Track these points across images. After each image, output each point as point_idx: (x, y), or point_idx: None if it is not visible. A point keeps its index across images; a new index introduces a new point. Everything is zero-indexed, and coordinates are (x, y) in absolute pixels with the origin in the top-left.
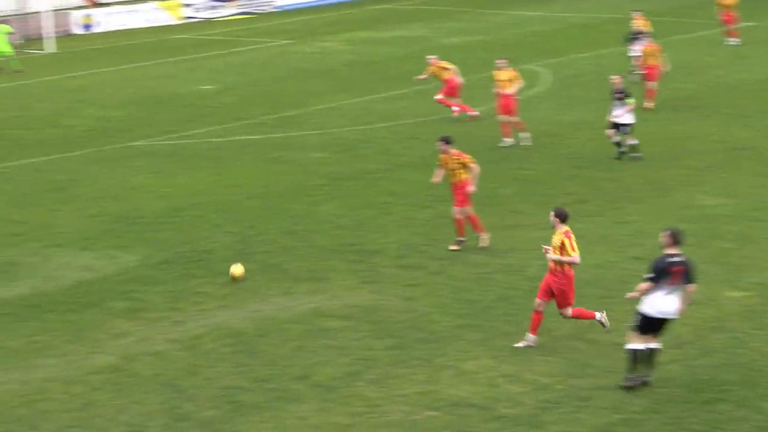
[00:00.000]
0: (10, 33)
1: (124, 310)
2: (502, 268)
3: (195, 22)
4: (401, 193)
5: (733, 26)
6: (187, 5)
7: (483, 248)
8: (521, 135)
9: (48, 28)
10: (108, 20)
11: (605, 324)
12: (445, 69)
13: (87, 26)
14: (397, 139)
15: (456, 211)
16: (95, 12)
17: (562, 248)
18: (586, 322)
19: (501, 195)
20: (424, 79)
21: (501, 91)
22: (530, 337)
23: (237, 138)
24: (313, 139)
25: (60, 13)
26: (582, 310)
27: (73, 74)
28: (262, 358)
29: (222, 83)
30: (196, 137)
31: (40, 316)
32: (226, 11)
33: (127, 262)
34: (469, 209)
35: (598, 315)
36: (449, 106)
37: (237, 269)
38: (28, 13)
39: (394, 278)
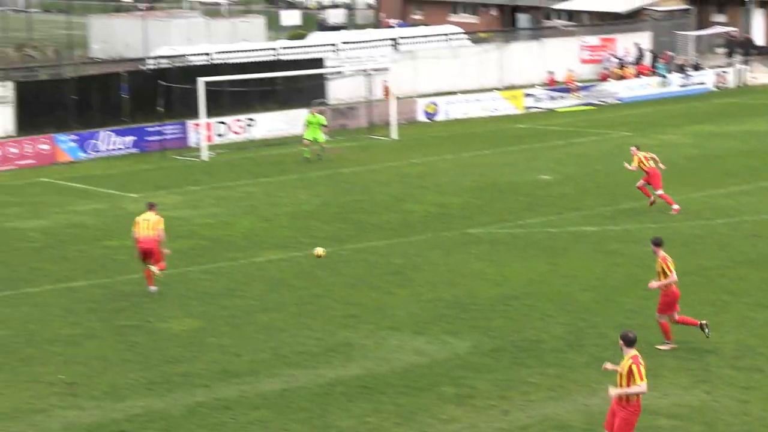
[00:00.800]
0: (323, 125)
1: (454, 396)
2: None
3: (536, 112)
4: (740, 291)
5: None
6: (529, 95)
7: None
8: None
9: (393, 115)
10: (450, 109)
11: None
12: (649, 159)
13: (430, 114)
14: (738, 236)
15: None
16: (439, 100)
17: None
18: None
19: None
20: (634, 170)
21: None
22: None
23: (573, 229)
24: (651, 233)
25: (405, 101)
26: None
27: (415, 161)
28: None
29: (560, 173)
30: (532, 226)
31: (371, 397)
32: (567, 102)
33: (459, 348)
34: None
35: None
36: (647, 195)
37: (319, 250)
38: (373, 101)
39: (728, 379)
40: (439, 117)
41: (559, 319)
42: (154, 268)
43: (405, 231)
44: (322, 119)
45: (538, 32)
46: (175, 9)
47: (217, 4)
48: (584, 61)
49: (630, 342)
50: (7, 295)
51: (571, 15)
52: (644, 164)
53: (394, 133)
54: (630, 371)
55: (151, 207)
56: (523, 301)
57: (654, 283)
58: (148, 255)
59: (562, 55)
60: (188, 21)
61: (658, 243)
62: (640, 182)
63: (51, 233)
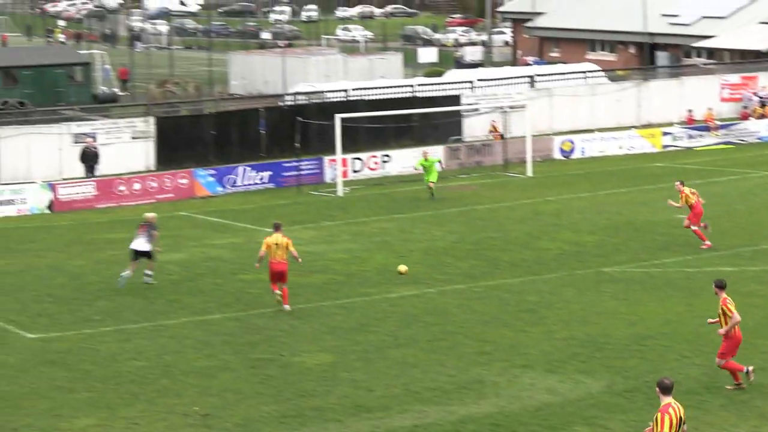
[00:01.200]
0: (439, 162)
1: None
2: None
3: (674, 151)
4: None
5: None
6: (667, 134)
7: None
8: None
9: (529, 152)
10: (587, 146)
11: None
12: (694, 194)
13: (566, 152)
14: None
15: None
16: (575, 138)
17: None
18: None
19: None
20: (681, 207)
21: None
22: None
23: (710, 269)
24: None
25: (541, 138)
26: None
27: (550, 198)
28: None
29: None
30: (668, 266)
31: None
32: (706, 141)
33: (592, 387)
34: None
35: None
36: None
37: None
38: (510, 137)
39: None
40: (575, 155)
41: (695, 360)
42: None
43: (539, 269)
44: (435, 159)
45: (677, 70)
46: (314, 46)
47: (355, 41)
48: (724, 100)
49: (666, 389)
50: (144, 327)
51: (712, 53)
52: (690, 199)
53: (530, 171)
54: (655, 420)
55: (277, 228)
56: (658, 341)
57: (722, 330)
58: (280, 277)
59: (702, 94)
60: (326, 58)
61: (720, 286)
62: (687, 222)
63: (188, 266)
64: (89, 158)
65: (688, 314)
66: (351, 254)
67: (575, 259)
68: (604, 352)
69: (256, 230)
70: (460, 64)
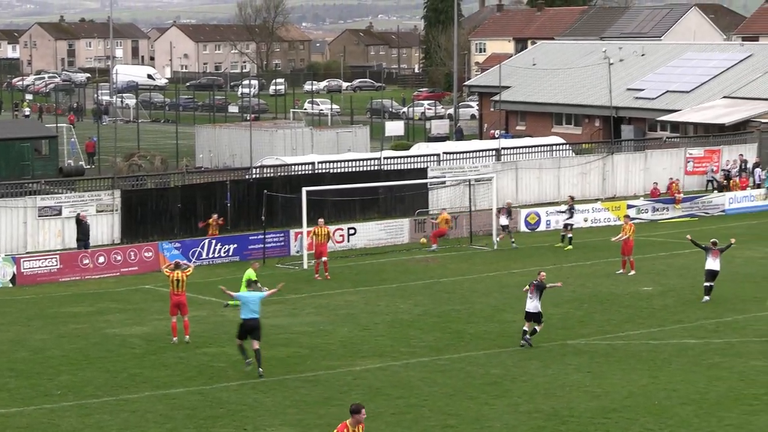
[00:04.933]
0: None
1: None
2: None
3: (639, 224)
4: None
5: None
6: (632, 206)
7: None
8: None
9: (495, 225)
10: (552, 219)
11: None
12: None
13: (531, 224)
14: None
15: None
16: (540, 211)
17: None
18: None
19: None
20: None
21: None
22: None
23: (675, 341)
24: (755, 346)
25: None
26: None
27: (515, 270)
28: None
29: (662, 285)
30: (632, 338)
31: None
32: (671, 213)
33: None
34: None
35: None
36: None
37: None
38: (476, 210)
39: None
40: (541, 227)
41: None
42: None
43: (503, 341)
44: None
45: (642, 143)
46: (281, 120)
47: (323, 114)
48: (689, 173)
49: None
50: (107, 401)
51: (677, 126)
52: (627, 233)
53: (495, 244)
54: None
55: (176, 266)
56: (622, 414)
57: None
58: (181, 307)
59: (667, 167)
60: (293, 131)
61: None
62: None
63: (152, 340)
64: (83, 230)
65: (652, 386)
66: (315, 327)
67: (540, 332)
68: (568, 425)
69: (220, 303)
70: (428, 137)
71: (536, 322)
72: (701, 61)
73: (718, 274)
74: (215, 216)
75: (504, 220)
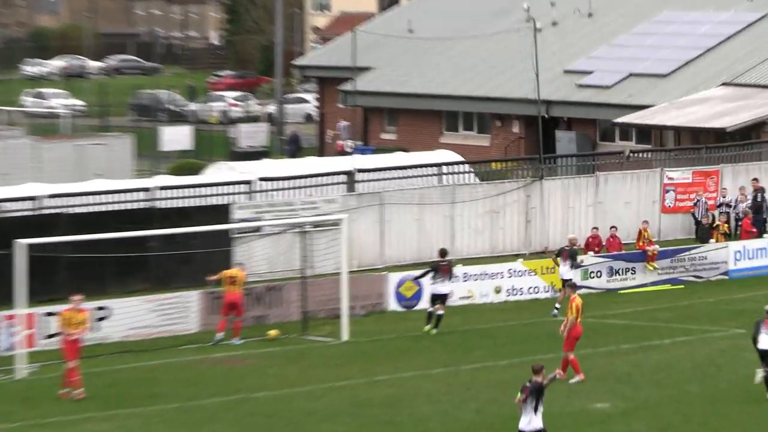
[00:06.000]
0: None
1: None
2: None
3: (586, 295)
4: None
5: None
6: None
7: None
8: None
9: (345, 301)
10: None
11: None
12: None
13: (407, 299)
14: None
15: None
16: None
17: None
18: None
19: None
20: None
21: None
22: None
23: None
24: None
25: (366, 278)
26: None
27: (380, 378)
28: None
29: (628, 400)
30: None
31: None
32: (639, 277)
33: None
34: None
35: None
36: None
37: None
38: (312, 276)
39: None
40: (422, 304)
41: None
42: None
43: None
44: None
45: (591, 161)
46: None
47: (55, 115)
48: (668, 210)
49: None
50: None
51: (647, 133)
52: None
53: (345, 332)
54: None
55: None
56: None
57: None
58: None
59: (632, 200)
60: (5, 144)
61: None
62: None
63: None
64: None
65: None
66: None
67: None
68: None
69: None
70: (232, 153)
71: None
72: (686, 26)
73: None
74: None
75: (567, 271)
